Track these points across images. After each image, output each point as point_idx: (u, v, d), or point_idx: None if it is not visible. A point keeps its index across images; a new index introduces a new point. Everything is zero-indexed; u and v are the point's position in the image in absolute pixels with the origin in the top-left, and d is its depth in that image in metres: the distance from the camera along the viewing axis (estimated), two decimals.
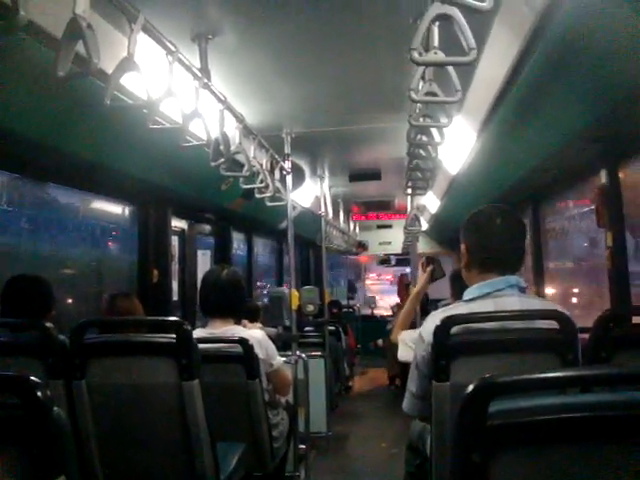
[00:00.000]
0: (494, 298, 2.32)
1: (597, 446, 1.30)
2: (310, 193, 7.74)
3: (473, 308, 2.33)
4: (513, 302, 2.30)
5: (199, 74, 2.77)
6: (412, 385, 2.51)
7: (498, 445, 1.29)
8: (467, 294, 2.41)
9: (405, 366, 2.65)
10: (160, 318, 3.23)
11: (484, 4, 1.77)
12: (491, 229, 2.43)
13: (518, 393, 1.35)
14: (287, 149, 5.00)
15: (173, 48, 2.44)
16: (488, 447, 1.29)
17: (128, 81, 2.35)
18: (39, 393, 1.41)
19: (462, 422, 1.31)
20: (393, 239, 12.73)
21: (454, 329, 2.24)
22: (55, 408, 1.47)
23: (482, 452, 1.29)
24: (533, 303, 2.36)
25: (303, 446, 5.17)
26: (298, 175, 6.41)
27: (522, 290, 2.36)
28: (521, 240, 2.45)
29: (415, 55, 1.88)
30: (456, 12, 1.81)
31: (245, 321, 3.90)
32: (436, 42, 1.97)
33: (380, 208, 11.00)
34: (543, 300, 2.54)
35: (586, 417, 1.29)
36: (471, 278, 2.46)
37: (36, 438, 1.41)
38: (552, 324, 2.21)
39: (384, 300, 16.50)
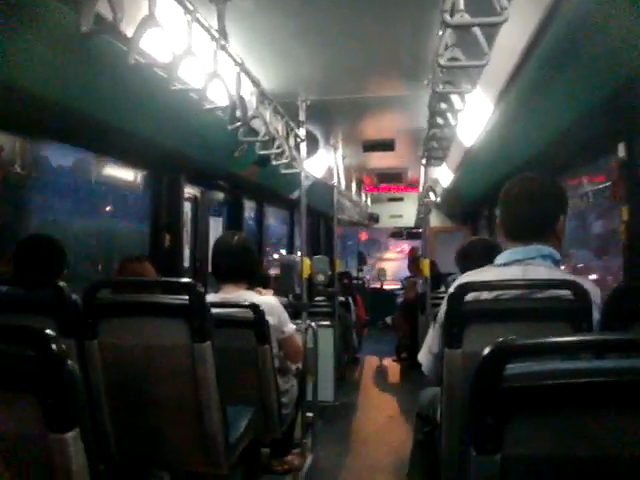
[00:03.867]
0: (524, 265, 2.33)
1: (611, 412, 1.30)
2: (323, 163, 7.71)
3: (501, 273, 2.34)
4: (542, 272, 2.30)
5: (217, 35, 2.74)
6: (434, 346, 2.54)
7: (512, 408, 1.29)
8: (499, 259, 2.42)
9: (414, 339, 2.65)
10: (173, 279, 3.23)
11: None
12: (509, 199, 2.46)
13: (532, 358, 1.35)
14: (302, 116, 4.97)
15: (191, 7, 2.41)
16: (503, 410, 1.29)
17: (147, 42, 2.33)
18: (54, 346, 1.42)
19: (477, 385, 1.31)
20: (404, 212, 12.70)
21: (471, 295, 2.24)
22: (69, 361, 1.48)
23: (496, 415, 1.29)
24: (561, 276, 2.34)
25: (311, 414, 5.21)
26: (311, 144, 6.38)
27: (556, 262, 2.35)
28: (543, 207, 2.41)
29: (447, 17, 1.86)
30: None
31: (259, 288, 3.91)
32: (461, 5, 1.94)
33: (392, 180, 10.95)
34: (569, 273, 2.52)
35: (600, 382, 1.29)
36: (506, 246, 2.48)
37: (51, 390, 1.41)
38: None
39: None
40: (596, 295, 2.22)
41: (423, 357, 2.64)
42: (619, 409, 1.29)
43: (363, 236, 15.39)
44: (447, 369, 2.27)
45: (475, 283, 2.28)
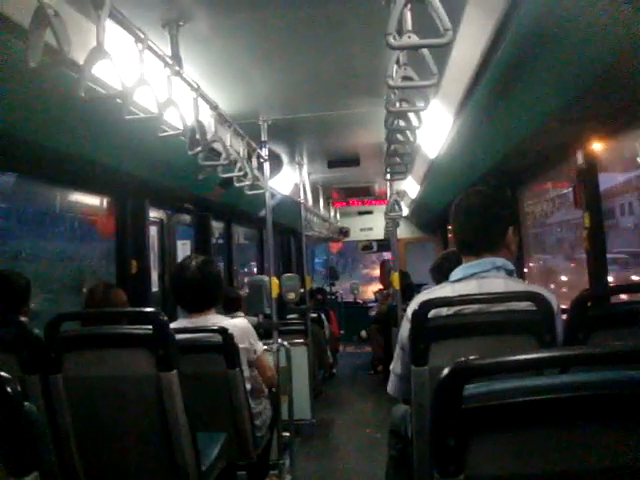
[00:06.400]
0: (479, 279, 2.34)
1: (574, 427, 1.30)
2: (289, 180, 7.70)
3: (458, 289, 2.34)
4: (498, 284, 2.31)
5: (170, 62, 2.73)
6: (397, 367, 2.53)
7: (474, 429, 1.29)
8: (453, 275, 2.42)
9: (388, 352, 2.66)
10: (136, 309, 3.20)
11: None
12: (458, 212, 2.49)
13: (494, 376, 1.34)
14: (264, 136, 4.96)
15: (142, 35, 2.40)
16: (463, 431, 1.28)
17: (100, 71, 2.31)
18: (9, 388, 1.39)
19: (437, 406, 1.30)
20: (374, 225, 12.75)
21: (432, 312, 2.24)
22: (26, 403, 1.45)
23: (457, 436, 1.28)
24: (517, 286, 2.35)
25: (287, 434, 5.17)
26: (275, 162, 6.37)
27: (509, 273, 2.36)
28: (490, 219, 2.43)
29: (391, 40, 1.86)
30: None
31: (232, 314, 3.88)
32: (409, 25, 1.94)
33: (360, 194, 10.98)
34: (528, 284, 2.54)
35: (562, 398, 1.29)
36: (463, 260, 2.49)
37: (7, 434, 1.38)
38: (533, 306, 2.21)
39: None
40: (554, 304, 2.23)
41: (390, 377, 2.63)
42: (581, 424, 1.29)
43: (334, 247, 14.91)
44: (415, 386, 2.26)
45: (436, 299, 2.28)
